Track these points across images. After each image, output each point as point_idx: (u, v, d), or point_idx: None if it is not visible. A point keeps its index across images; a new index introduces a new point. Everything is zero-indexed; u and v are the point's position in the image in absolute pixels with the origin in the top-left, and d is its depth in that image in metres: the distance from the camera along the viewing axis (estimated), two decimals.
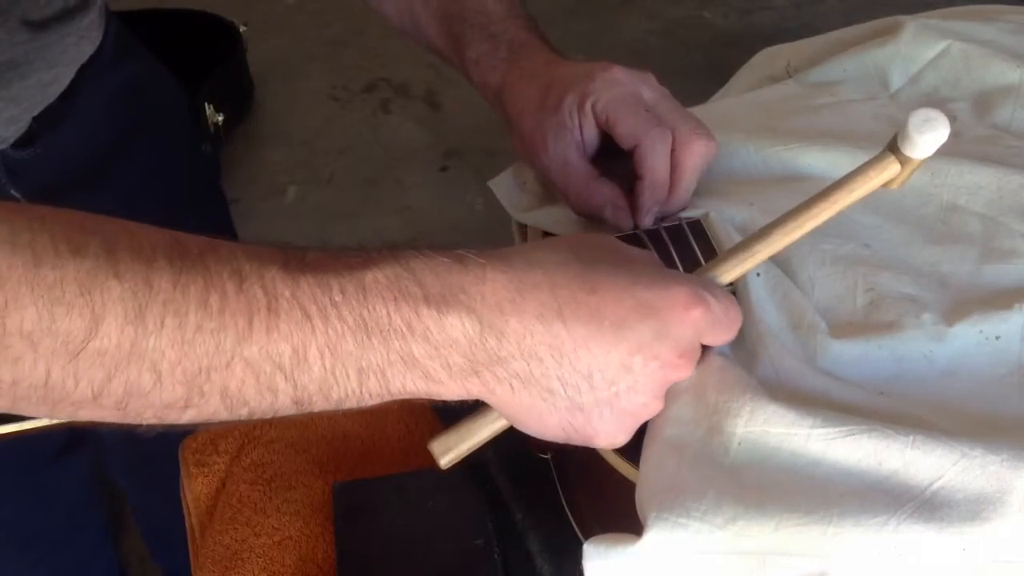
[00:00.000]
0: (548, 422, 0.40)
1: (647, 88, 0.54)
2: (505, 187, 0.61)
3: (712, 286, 0.42)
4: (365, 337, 0.36)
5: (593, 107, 0.52)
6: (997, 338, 0.47)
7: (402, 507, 0.55)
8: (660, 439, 0.43)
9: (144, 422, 0.37)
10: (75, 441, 0.83)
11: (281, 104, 2.11)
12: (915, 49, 0.63)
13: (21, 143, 0.61)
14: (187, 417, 0.37)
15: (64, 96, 0.62)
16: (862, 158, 0.56)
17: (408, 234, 1.78)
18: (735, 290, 0.49)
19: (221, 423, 0.38)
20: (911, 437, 0.41)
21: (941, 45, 0.63)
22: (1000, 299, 0.48)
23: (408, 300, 0.37)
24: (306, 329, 0.36)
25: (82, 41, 0.63)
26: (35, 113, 0.61)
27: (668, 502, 0.41)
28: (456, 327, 0.37)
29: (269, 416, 0.38)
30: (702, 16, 2.27)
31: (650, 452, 0.43)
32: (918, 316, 0.48)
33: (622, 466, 0.45)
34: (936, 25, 0.65)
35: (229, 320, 0.35)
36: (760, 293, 0.48)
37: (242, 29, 2.07)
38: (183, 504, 0.65)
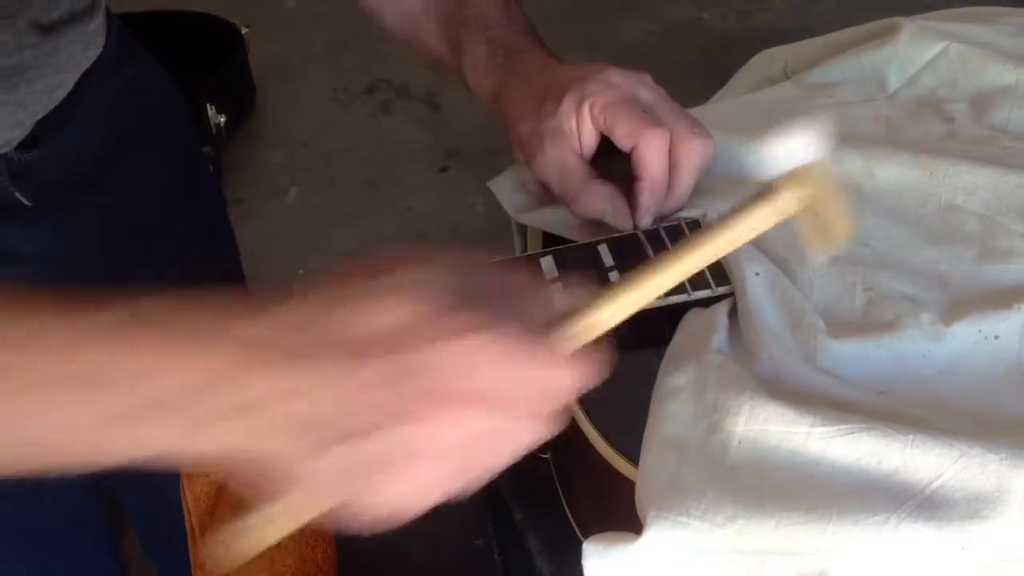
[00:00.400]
0: (315, 480, 0.36)
1: (644, 89, 0.54)
2: (505, 188, 0.61)
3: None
4: (98, 385, 0.35)
5: (590, 109, 0.53)
6: (996, 337, 0.47)
7: None
8: (659, 437, 0.43)
9: None
10: None
11: (282, 105, 2.11)
12: (912, 51, 0.64)
13: (24, 145, 0.61)
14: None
15: (67, 98, 0.63)
16: (859, 159, 0.56)
17: (408, 234, 1.78)
18: (734, 290, 0.49)
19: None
20: (910, 436, 0.41)
21: (938, 47, 0.63)
22: (998, 298, 0.48)
23: (129, 344, 0.35)
24: (51, 363, 0.35)
25: (88, 47, 0.63)
26: (39, 117, 0.61)
27: (668, 501, 0.41)
28: (191, 374, 0.34)
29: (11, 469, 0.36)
30: (701, 18, 2.27)
31: (649, 451, 0.43)
32: (917, 316, 0.48)
33: (622, 465, 0.45)
34: (933, 27, 0.65)
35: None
36: (759, 292, 0.49)
37: (244, 31, 2.07)
38: (183, 504, 0.65)
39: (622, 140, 0.52)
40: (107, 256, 0.68)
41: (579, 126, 0.53)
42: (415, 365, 0.33)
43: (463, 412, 0.34)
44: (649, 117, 0.52)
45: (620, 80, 0.53)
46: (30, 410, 0.35)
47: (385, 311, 0.34)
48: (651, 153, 0.51)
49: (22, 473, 0.36)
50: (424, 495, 0.37)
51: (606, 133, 0.53)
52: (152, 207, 0.72)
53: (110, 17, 0.68)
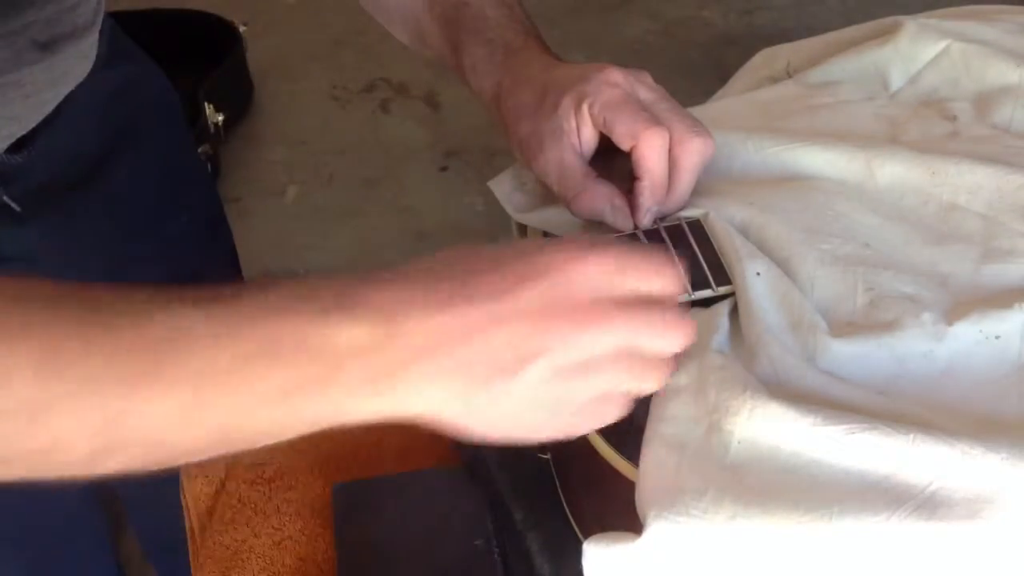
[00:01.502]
0: (489, 418, 0.38)
1: (643, 88, 0.54)
2: (505, 187, 0.61)
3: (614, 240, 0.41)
4: (270, 359, 0.35)
5: (590, 109, 0.53)
6: (997, 337, 0.47)
7: (402, 507, 0.55)
8: (659, 437, 0.43)
9: (64, 475, 0.36)
10: None
11: (281, 104, 2.11)
12: (915, 49, 0.63)
13: (12, 148, 0.61)
14: (112, 466, 0.36)
15: None
16: (861, 158, 0.56)
17: (408, 234, 1.78)
18: (735, 290, 0.49)
19: (150, 470, 0.37)
20: (911, 436, 0.41)
21: (941, 45, 0.63)
22: (1000, 298, 0.48)
23: (306, 317, 0.36)
24: (209, 354, 0.35)
25: (84, 60, 0.63)
26: (31, 127, 0.61)
27: (668, 500, 0.41)
28: (356, 332, 0.36)
29: (195, 457, 0.37)
30: (702, 16, 2.27)
31: (649, 450, 0.43)
32: (918, 316, 0.48)
33: (622, 465, 0.45)
34: (936, 25, 0.65)
35: (137, 362, 0.35)
36: (760, 292, 0.49)
37: (242, 29, 2.06)
38: (183, 504, 0.65)
39: (622, 139, 0.52)
40: (100, 258, 0.68)
41: (578, 125, 0.53)
42: (565, 286, 0.37)
43: (617, 322, 0.38)
44: (649, 116, 0.52)
45: (620, 79, 0.53)
46: (211, 397, 0.35)
47: (525, 255, 0.38)
48: (651, 152, 0.51)
49: (206, 458, 0.37)
50: (603, 408, 0.40)
51: (606, 132, 0.53)
52: (147, 207, 0.72)
53: (103, 16, 0.68)
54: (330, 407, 0.36)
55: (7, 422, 0.33)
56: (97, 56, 0.65)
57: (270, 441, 0.37)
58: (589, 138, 0.54)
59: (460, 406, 0.37)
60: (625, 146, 0.52)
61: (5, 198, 0.63)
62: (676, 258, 0.49)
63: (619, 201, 0.53)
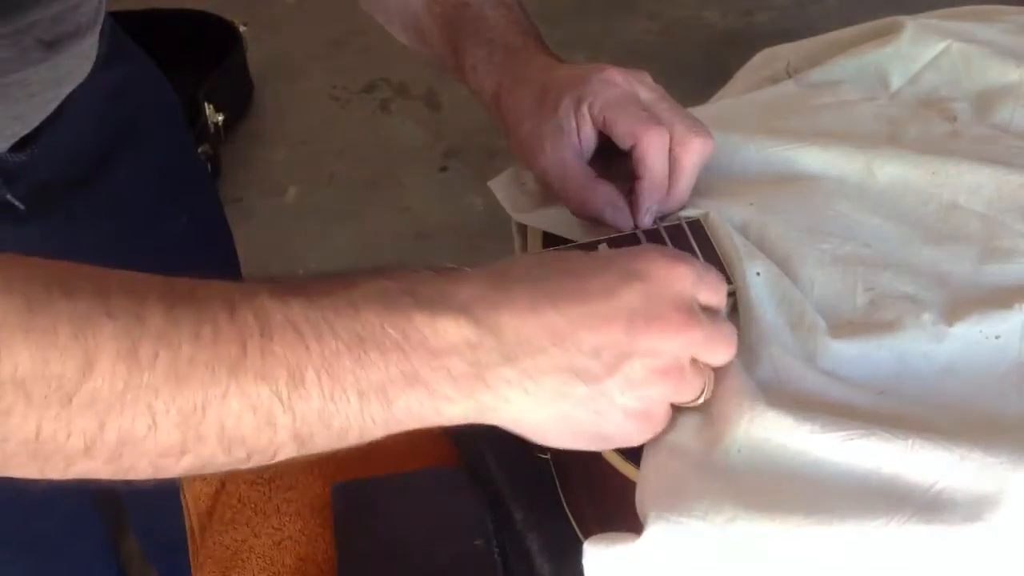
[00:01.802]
0: (575, 426, 0.38)
1: (643, 88, 0.54)
2: (505, 187, 0.61)
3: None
4: (362, 352, 0.35)
5: (590, 109, 0.53)
6: (997, 337, 0.47)
7: (402, 507, 0.55)
8: (661, 443, 0.43)
9: (139, 475, 0.35)
10: None
11: (281, 104, 2.11)
12: (915, 49, 0.63)
13: (15, 147, 0.61)
14: (184, 465, 0.35)
15: None
16: (861, 158, 0.56)
17: (408, 234, 1.78)
18: (735, 290, 0.49)
19: (221, 471, 0.36)
20: (910, 441, 0.41)
21: (941, 45, 0.63)
22: (1000, 298, 0.48)
23: (399, 309, 0.35)
24: (300, 349, 0.34)
25: (86, 60, 0.64)
26: (34, 127, 0.62)
27: (668, 502, 0.41)
28: (451, 330, 0.35)
29: (269, 458, 0.36)
30: (702, 16, 2.27)
31: (650, 455, 0.43)
32: (918, 316, 0.48)
33: (623, 466, 0.45)
34: (936, 25, 0.65)
35: (223, 349, 0.34)
36: (760, 293, 0.48)
37: (242, 29, 2.06)
38: (183, 504, 0.65)
39: (622, 139, 0.52)
40: (100, 257, 0.68)
41: (578, 125, 0.53)
42: (658, 292, 0.38)
43: (696, 331, 0.38)
44: (649, 116, 0.52)
45: (619, 79, 0.53)
46: (300, 391, 0.35)
47: (613, 263, 0.39)
48: (651, 152, 0.51)
49: (279, 459, 0.36)
50: (668, 414, 0.40)
51: (606, 132, 0.53)
52: (147, 207, 0.72)
53: (104, 16, 0.68)
54: (426, 404, 0.36)
55: (89, 409, 0.32)
56: (97, 56, 0.65)
57: (353, 442, 0.37)
58: (589, 138, 0.54)
59: (535, 413, 0.37)
60: (625, 146, 0.52)
61: (9, 196, 0.63)
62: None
63: (619, 201, 0.53)
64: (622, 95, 0.53)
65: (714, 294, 0.41)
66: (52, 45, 0.59)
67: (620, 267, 0.38)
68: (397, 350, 0.35)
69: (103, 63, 0.66)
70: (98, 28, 0.64)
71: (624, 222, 0.53)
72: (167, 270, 0.67)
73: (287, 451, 0.36)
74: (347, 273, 0.37)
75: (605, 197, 0.53)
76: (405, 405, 0.36)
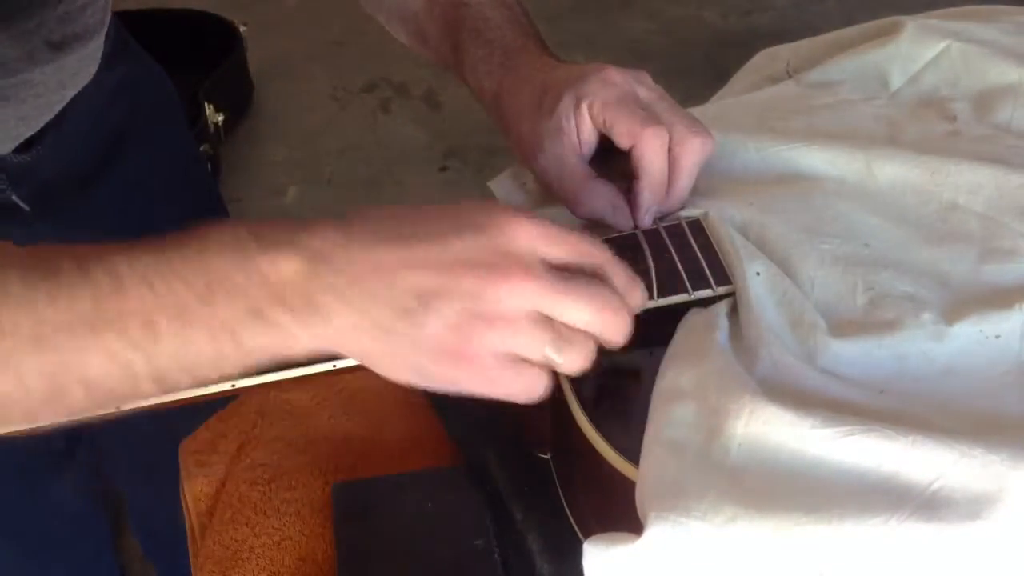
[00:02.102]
0: (400, 359, 0.39)
1: (642, 87, 0.54)
2: (505, 187, 0.61)
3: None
4: (210, 296, 0.37)
5: (589, 108, 0.53)
6: (997, 337, 0.47)
7: (402, 507, 0.55)
8: (660, 441, 0.43)
9: (15, 426, 0.37)
10: (76, 446, 0.84)
11: (281, 104, 2.11)
12: (915, 49, 0.63)
13: (21, 147, 0.61)
14: (56, 414, 0.38)
15: None
16: (861, 158, 0.56)
17: None
18: (735, 289, 0.49)
19: (96, 414, 0.39)
20: (911, 437, 0.41)
21: (941, 45, 0.63)
22: (1000, 298, 0.48)
23: (245, 252, 0.38)
24: (150, 300, 0.37)
25: (92, 61, 0.64)
26: (39, 128, 0.62)
27: (668, 501, 0.41)
28: (289, 267, 0.38)
29: (138, 402, 0.39)
30: (701, 16, 2.27)
31: (650, 453, 0.43)
32: (918, 315, 0.48)
33: (622, 465, 0.45)
34: (936, 25, 0.65)
35: (79, 309, 0.36)
36: (759, 292, 0.49)
37: (242, 29, 2.06)
38: (183, 504, 0.65)
39: (621, 139, 0.52)
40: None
41: (578, 125, 0.53)
42: (495, 242, 0.38)
43: (534, 284, 0.39)
44: (648, 116, 0.52)
45: (619, 79, 0.53)
46: (158, 339, 0.38)
47: (465, 211, 0.40)
48: (650, 152, 0.51)
49: (155, 399, 0.40)
50: (516, 374, 0.40)
51: (605, 132, 0.53)
52: (148, 206, 0.72)
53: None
54: (274, 340, 0.38)
55: None
56: (102, 56, 0.65)
57: (213, 381, 0.40)
58: (588, 138, 0.54)
59: (367, 344, 0.39)
60: (624, 145, 0.52)
61: (14, 197, 0.63)
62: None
63: (618, 200, 0.53)
64: (621, 95, 0.53)
65: (567, 253, 0.40)
66: (59, 46, 0.59)
67: (460, 217, 0.39)
68: (242, 291, 0.37)
69: (106, 63, 0.66)
70: (104, 30, 0.64)
71: (623, 222, 0.53)
72: None
73: (153, 394, 0.39)
74: (200, 225, 0.39)
75: (604, 196, 0.53)
76: (254, 342, 0.38)
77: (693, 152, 0.52)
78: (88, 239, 0.67)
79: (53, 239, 0.65)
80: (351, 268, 0.38)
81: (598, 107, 0.52)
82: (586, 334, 0.40)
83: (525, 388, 0.41)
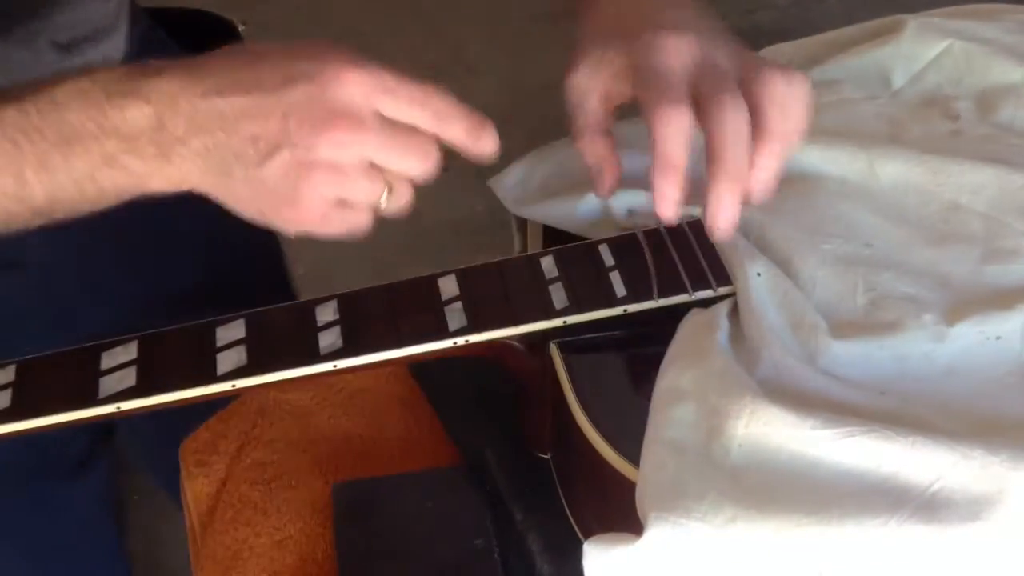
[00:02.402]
0: (242, 200, 0.43)
1: (697, 53, 0.48)
2: (505, 185, 0.61)
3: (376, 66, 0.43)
4: (67, 148, 0.41)
5: (629, 72, 0.49)
6: (998, 338, 0.47)
7: (402, 507, 0.55)
8: (660, 441, 0.43)
9: None
10: (91, 456, 0.84)
11: None
12: (917, 48, 0.63)
13: None
14: None
15: None
16: (863, 157, 0.56)
17: (408, 234, 1.78)
18: (736, 290, 0.49)
19: None
20: (911, 438, 0.41)
21: (943, 44, 0.63)
22: (1001, 299, 0.48)
23: (95, 103, 0.41)
24: (16, 155, 0.41)
25: (107, 63, 0.63)
26: None
27: (668, 502, 0.41)
28: (139, 117, 0.41)
29: (26, 228, 0.43)
30: None
31: (650, 452, 0.43)
32: (919, 316, 0.48)
33: (622, 466, 0.45)
34: (938, 24, 0.65)
35: None
36: (760, 293, 0.48)
37: (241, 28, 2.06)
38: (183, 504, 0.65)
39: (642, 111, 0.48)
40: (127, 255, 0.69)
41: (613, 75, 0.50)
42: (327, 92, 0.41)
43: (366, 134, 0.42)
44: (675, 91, 0.46)
45: (672, 49, 0.48)
46: (33, 181, 0.42)
47: (297, 57, 0.42)
48: (663, 131, 0.46)
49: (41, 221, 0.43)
50: (346, 214, 0.44)
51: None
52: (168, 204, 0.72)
53: (136, 13, 0.68)
54: (131, 182, 0.42)
55: None
56: (125, 57, 0.65)
57: (87, 212, 0.44)
58: (618, 93, 0.51)
59: (213, 185, 0.43)
60: (645, 121, 0.48)
61: None
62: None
63: (608, 166, 0.51)
64: (663, 69, 0.47)
65: (400, 107, 0.43)
66: (67, 48, 0.59)
67: (294, 65, 0.41)
68: (95, 140, 0.41)
69: (131, 62, 0.66)
70: (120, 31, 0.64)
71: (599, 189, 0.51)
72: (208, 258, 0.67)
73: (39, 223, 0.44)
74: (55, 74, 0.42)
75: (594, 155, 0.51)
76: (113, 185, 0.42)
77: (775, 91, 0.46)
78: (112, 239, 0.67)
79: (74, 237, 0.66)
80: (195, 116, 0.41)
81: (635, 75, 0.49)
82: (405, 175, 0.44)
83: (351, 228, 0.45)
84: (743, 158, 0.46)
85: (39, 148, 0.41)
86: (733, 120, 0.45)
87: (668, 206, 0.47)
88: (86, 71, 0.42)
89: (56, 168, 0.41)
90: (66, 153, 0.41)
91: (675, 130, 0.46)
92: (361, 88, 0.42)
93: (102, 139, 0.41)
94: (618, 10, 0.52)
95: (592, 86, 0.51)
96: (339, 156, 0.42)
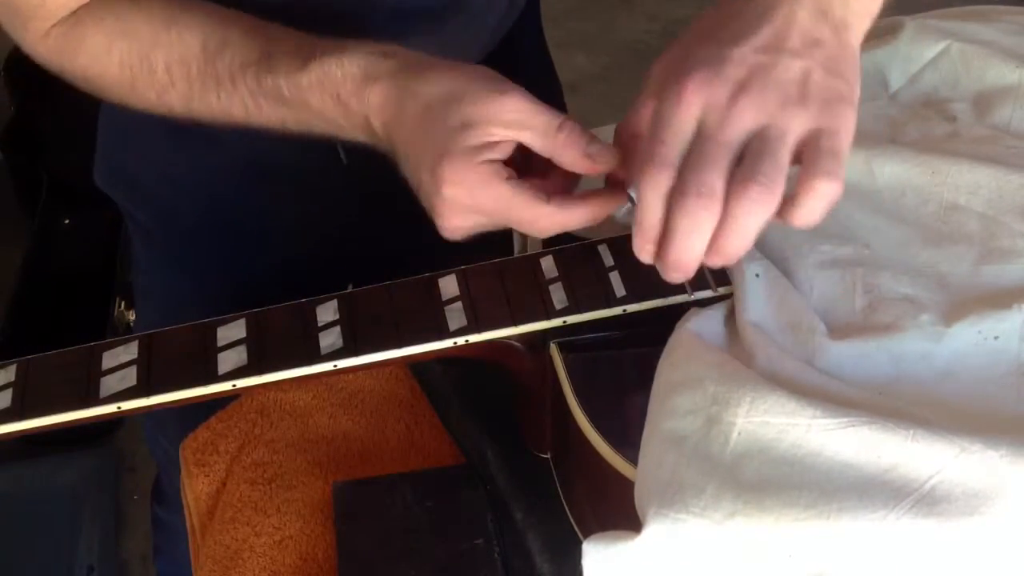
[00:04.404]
0: (418, 191, 0.49)
1: (724, 102, 0.41)
2: None
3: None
4: (341, 108, 0.50)
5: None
6: (996, 338, 0.47)
7: (402, 507, 0.55)
8: (658, 433, 0.43)
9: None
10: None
11: None
12: (914, 49, 0.63)
13: None
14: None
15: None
16: (861, 157, 0.56)
17: None
18: (734, 291, 0.49)
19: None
20: (911, 431, 0.41)
21: (940, 45, 0.63)
22: (998, 299, 0.48)
23: (358, 91, 0.49)
24: (303, 111, 0.51)
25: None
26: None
27: (667, 498, 0.41)
28: (378, 109, 0.49)
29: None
30: None
31: (648, 448, 0.43)
32: (916, 317, 0.48)
33: (622, 465, 0.45)
34: (935, 25, 0.65)
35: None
36: (758, 294, 0.49)
37: None
38: (183, 504, 0.65)
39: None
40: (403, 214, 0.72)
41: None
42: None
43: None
44: (665, 149, 0.41)
45: (698, 92, 0.41)
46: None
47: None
48: (642, 192, 0.42)
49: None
50: None
51: None
52: None
53: None
54: (361, 135, 0.51)
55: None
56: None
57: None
58: None
59: (409, 173, 0.49)
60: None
61: (339, 147, 0.67)
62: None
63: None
64: (665, 120, 0.42)
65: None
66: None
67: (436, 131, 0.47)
68: (355, 113, 0.50)
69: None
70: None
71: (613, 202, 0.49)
72: None
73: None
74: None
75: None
76: (352, 135, 0.51)
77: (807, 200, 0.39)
78: (385, 201, 0.69)
79: (359, 193, 0.70)
80: (407, 124, 0.48)
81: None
82: None
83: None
84: (695, 254, 0.41)
85: (324, 106, 0.50)
86: (729, 221, 0.40)
87: (643, 257, 0.44)
88: (364, 57, 0.49)
89: (325, 121, 0.51)
90: (336, 113, 0.50)
91: (652, 196, 0.41)
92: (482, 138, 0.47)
93: (358, 111, 0.49)
94: (725, 11, 0.44)
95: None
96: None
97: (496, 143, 0.46)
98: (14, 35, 0.57)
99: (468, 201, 0.46)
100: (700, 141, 0.41)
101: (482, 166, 0.46)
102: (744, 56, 0.41)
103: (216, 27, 0.53)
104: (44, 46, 0.56)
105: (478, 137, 0.45)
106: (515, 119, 0.46)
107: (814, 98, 0.41)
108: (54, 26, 0.55)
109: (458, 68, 0.48)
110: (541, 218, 0.47)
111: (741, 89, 0.40)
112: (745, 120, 0.40)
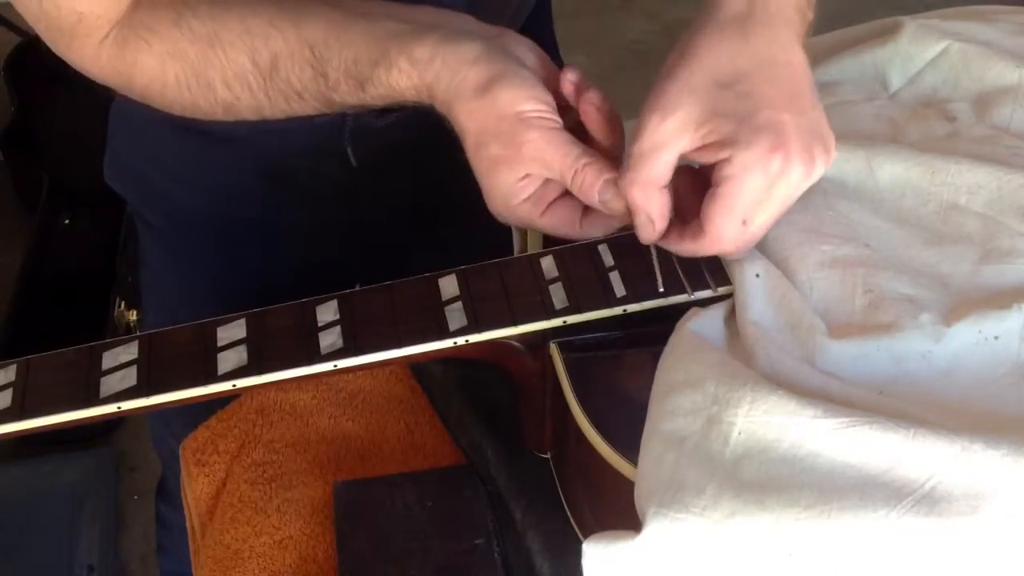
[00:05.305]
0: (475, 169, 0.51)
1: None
2: None
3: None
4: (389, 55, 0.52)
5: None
6: (996, 338, 0.47)
7: (402, 507, 0.55)
8: (658, 434, 0.43)
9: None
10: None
11: None
12: (914, 49, 0.63)
13: (385, 110, 0.60)
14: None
15: None
16: (861, 157, 0.56)
17: None
18: (734, 291, 0.49)
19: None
20: (912, 430, 0.41)
21: (940, 45, 0.63)
22: (999, 299, 0.48)
23: (439, 70, 0.51)
24: (384, 77, 0.52)
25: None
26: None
27: (667, 498, 0.41)
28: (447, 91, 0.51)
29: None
30: None
31: (649, 447, 0.43)
32: (917, 317, 0.48)
33: (622, 465, 0.45)
34: (935, 25, 0.65)
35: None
36: (759, 294, 0.49)
37: None
38: (183, 504, 0.65)
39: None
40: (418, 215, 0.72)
41: (697, 142, 0.49)
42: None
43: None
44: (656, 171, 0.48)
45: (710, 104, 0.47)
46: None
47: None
48: (634, 206, 0.49)
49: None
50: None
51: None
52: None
53: None
54: (411, 93, 0.52)
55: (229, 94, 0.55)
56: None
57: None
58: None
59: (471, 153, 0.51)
60: None
61: (349, 150, 0.67)
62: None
63: (661, 220, 0.49)
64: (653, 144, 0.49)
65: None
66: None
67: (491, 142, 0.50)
68: (400, 60, 0.52)
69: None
70: None
71: (646, 236, 0.50)
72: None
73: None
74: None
75: (649, 209, 0.49)
76: (396, 90, 0.52)
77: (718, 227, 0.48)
78: (393, 202, 0.71)
79: (368, 195, 0.70)
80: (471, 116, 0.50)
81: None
82: None
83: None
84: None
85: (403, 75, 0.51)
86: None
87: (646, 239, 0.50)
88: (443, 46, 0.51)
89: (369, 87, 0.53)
90: (390, 53, 0.51)
91: (644, 214, 0.49)
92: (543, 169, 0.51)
93: (405, 62, 0.51)
94: (735, 60, 0.47)
95: (677, 142, 0.47)
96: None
97: (526, 176, 0.51)
98: (66, 57, 0.56)
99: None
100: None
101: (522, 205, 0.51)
102: (800, 124, 0.47)
103: (258, 43, 0.53)
104: (97, 67, 0.56)
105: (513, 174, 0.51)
106: (536, 162, 0.50)
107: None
108: (101, 45, 0.55)
109: (490, 93, 0.50)
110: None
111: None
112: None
